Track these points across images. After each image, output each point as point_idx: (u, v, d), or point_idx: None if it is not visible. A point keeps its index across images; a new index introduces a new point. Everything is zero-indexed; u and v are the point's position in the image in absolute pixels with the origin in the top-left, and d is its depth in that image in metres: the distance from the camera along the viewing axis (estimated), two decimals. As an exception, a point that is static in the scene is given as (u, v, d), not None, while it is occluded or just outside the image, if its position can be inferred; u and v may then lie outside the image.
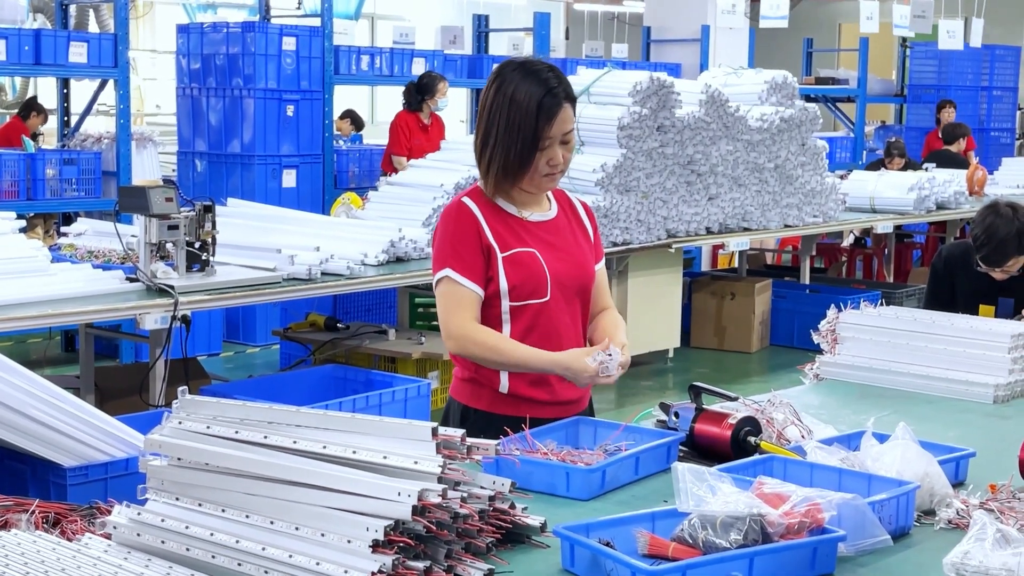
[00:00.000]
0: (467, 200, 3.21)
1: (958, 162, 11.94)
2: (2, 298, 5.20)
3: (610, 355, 3.02)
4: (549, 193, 3.32)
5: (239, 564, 2.17)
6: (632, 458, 2.80)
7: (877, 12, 13.24)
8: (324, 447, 2.23)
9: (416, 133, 9.78)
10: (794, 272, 10.92)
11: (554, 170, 3.16)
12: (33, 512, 2.59)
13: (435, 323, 8.02)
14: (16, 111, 12.05)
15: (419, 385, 6.39)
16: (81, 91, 10.13)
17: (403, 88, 10.00)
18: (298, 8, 14.96)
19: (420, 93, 9.82)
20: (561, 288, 3.22)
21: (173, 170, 10.48)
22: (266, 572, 2.14)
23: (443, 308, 3.20)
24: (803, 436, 2.99)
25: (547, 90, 3.10)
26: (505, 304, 3.18)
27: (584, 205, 3.41)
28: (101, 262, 6.17)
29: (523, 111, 3.09)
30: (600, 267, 3.38)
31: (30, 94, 13.71)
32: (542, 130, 3.09)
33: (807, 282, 10.28)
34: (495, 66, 3.24)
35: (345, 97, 13.56)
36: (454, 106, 10.43)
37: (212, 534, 2.21)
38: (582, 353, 3.07)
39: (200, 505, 2.28)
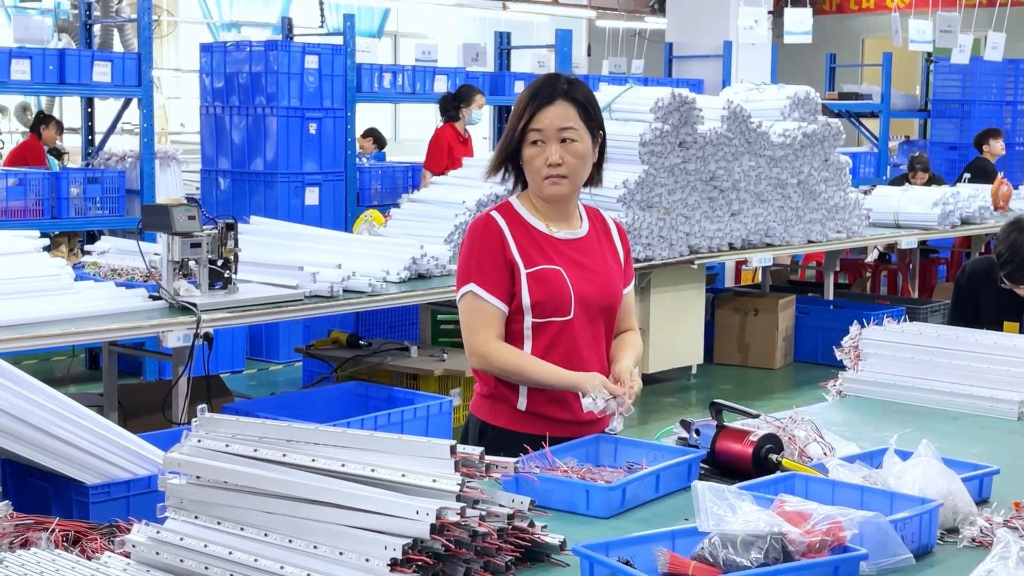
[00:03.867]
0: (495, 214, 3.21)
1: (989, 173, 11.89)
2: (26, 316, 5.22)
3: (608, 398, 3.02)
4: (582, 209, 3.32)
5: (257, 583, 2.17)
6: (653, 476, 2.79)
7: (899, 26, 13.20)
8: (343, 465, 2.22)
9: (457, 146, 9.84)
10: (818, 288, 10.88)
11: (552, 172, 3.16)
12: (53, 531, 2.60)
13: (457, 340, 7.98)
14: (29, 128, 12.16)
15: (441, 402, 6.39)
16: (105, 110, 10.20)
17: (438, 103, 10.04)
18: (321, 26, 15.05)
19: (457, 101, 9.89)
20: (585, 307, 3.20)
21: (196, 188, 10.52)
22: (284, 591, 2.13)
23: (466, 323, 3.19)
24: (825, 453, 2.97)
25: (546, 83, 3.18)
26: (527, 320, 3.18)
27: (618, 225, 3.40)
28: (124, 280, 6.20)
29: (519, 102, 3.17)
30: (628, 291, 3.37)
31: (54, 114, 13.80)
32: (529, 118, 3.13)
33: (831, 298, 10.23)
34: None
35: (368, 115, 13.60)
36: (478, 123, 10.46)
37: (231, 552, 2.21)
38: (598, 378, 3.06)
39: (219, 523, 2.28)
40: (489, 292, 3.15)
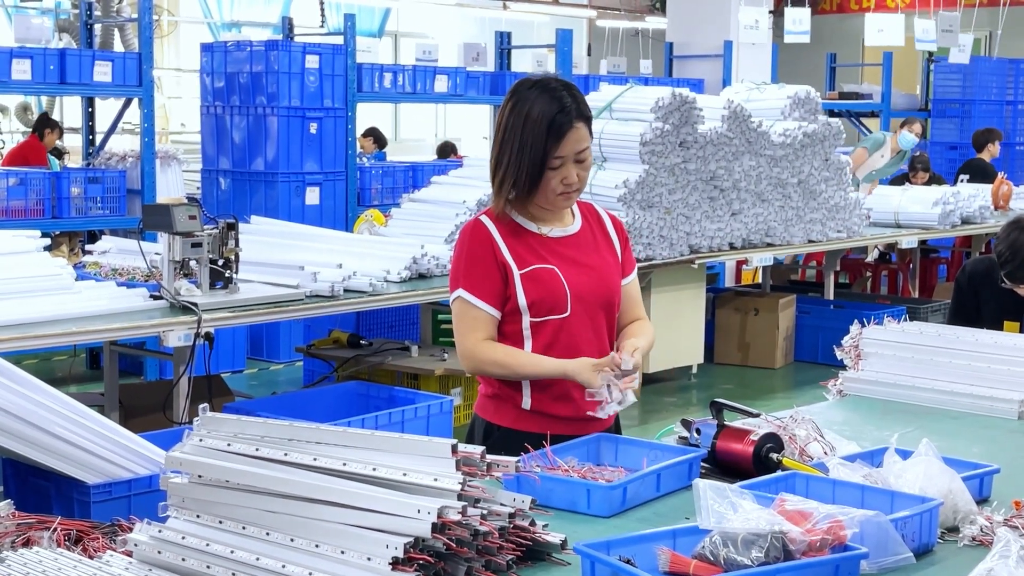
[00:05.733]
0: (484, 219, 3.21)
1: (988, 173, 11.88)
2: (27, 316, 5.23)
3: (616, 374, 3.03)
4: (574, 206, 3.32)
5: (259, 581, 2.17)
6: (653, 475, 2.79)
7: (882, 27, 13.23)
8: (344, 464, 2.23)
9: None
10: (818, 288, 10.88)
11: (568, 189, 3.16)
12: (55, 530, 2.60)
13: (457, 339, 8.02)
14: (32, 129, 12.16)
15: (441, 402, 6.39)
16: (106, 110, 10.20)
17: None
18: (321, 26, 15.04)
19: None
20: (582, 303, 3.21)
21: (197, 188, 10.52)
22: (286, 590, 2.14)
23: (456, 329, 3.24)
24: (825, 452, 2.97)
25: (560, 108, 3.09)
26: (526, 320, 3.19)
27: (613, 218, 3.40)
28: (125, 280, 6.20)
29: (535, 130, 3.08)
30: (632, 279, 3.37)
31: (55, 114, 13.79)
32: (551, 149, 3.09)
33: (831, 298, 10.24)
34: (513, 84, 3.25)
35: (368, 114, 13.60)
36: (477, 123, 10.46)
37: (232, 551, 2.21)
38: (588, 363, 3.07)
39: (220, 522, 2.28)
40: (477, 297, 3.16)
